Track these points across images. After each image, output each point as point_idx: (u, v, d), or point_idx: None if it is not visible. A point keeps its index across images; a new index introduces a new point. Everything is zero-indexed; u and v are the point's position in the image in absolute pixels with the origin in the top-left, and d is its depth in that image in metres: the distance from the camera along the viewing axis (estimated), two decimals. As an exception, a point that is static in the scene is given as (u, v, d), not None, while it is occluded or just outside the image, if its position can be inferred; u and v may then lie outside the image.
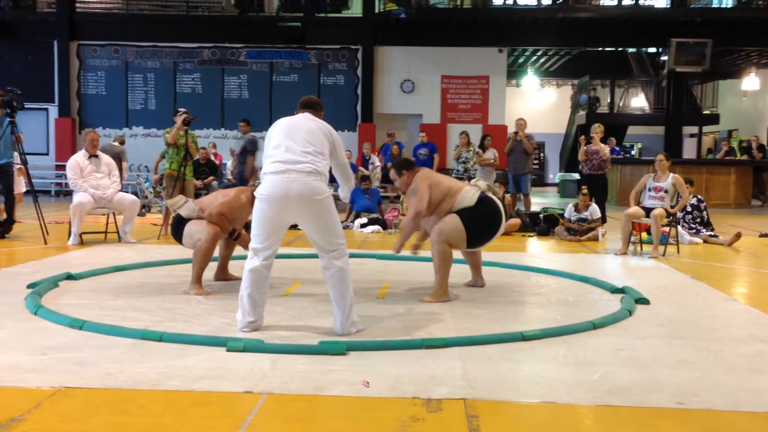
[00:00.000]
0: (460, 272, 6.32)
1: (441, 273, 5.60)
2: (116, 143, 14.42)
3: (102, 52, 19.28)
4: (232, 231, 6.00)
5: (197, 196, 12.83)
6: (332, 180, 4.91)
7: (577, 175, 15.06)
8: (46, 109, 19.08)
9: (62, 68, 19.14)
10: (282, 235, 4.62)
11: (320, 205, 4.40)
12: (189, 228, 5.86)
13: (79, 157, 8.91)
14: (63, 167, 13.40)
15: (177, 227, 6.00)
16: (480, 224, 5.66)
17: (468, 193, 5.68)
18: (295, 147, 4.45)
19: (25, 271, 6.56)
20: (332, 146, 4.63)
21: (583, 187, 10.64)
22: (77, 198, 8.65)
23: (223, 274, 6.39)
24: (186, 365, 3.75)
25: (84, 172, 8.79)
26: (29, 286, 5.70)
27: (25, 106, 9.54)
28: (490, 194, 5.80)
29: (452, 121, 19.14)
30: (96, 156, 8.96)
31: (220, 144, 17.36)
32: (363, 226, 11.02)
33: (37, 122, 18.55)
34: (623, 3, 19.48)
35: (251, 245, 4.53)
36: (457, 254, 6.00)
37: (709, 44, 18.17)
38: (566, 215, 10.35)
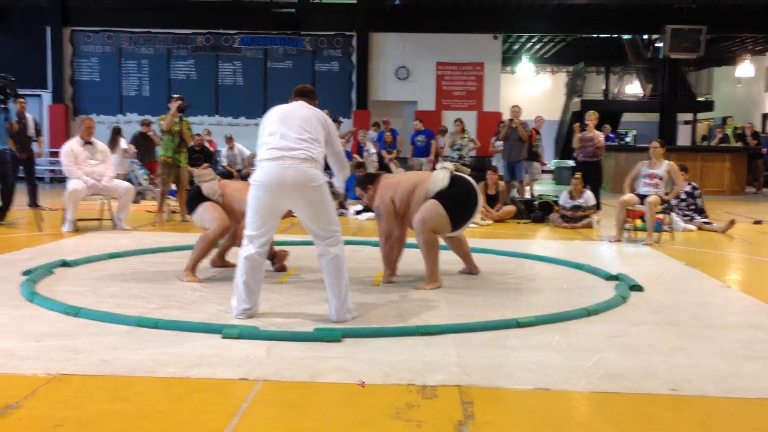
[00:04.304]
0: (455, 260, 6.33)
1: (430, 261, 5.62)
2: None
3: (95, 38, 19.19)
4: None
5: (191, 183, 12.84)
6: (327, 167, 4.90)
7: (572, 162, 15.08)
8: (40, 96, 19.01)
9: (55, 54, 19.05)
10: (277, 222, 4.62)
11: (315, 192, 4.41)
12: (202, 211, 5.86)
13: (74, 144, 8.87)
14: (57, 154, 13.38)
15: (193, 199, 5.99)
16: (459, 203, 5.67)
17: (439, 176, 5.69)
18: (290, 134, 4.44)
19: (20, 258, 6.55)
20: (327, 134, 4.64)
21: (577, 173, 10.65)
22: (72, 185, 8.63)
23: (220, 261, 6.39)
24: (181, 352, 3.76)
25: (78, 159, 8.76)
26: (24, 273, 5.70)
27: (19, 93, 9.50)
28: (459, 173, 5.82)
29: (447, 108, 19.12)
30: (90, 143, 8.94)
31: (215, 131, 17.30)
32: (358, 213, 11.03)
33: (30, 109, 18.34)
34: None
35: (246, 232, 4.53)
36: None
37: (704, 31, 18.16)
38: (561, 202, 10.36)
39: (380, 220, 5.76)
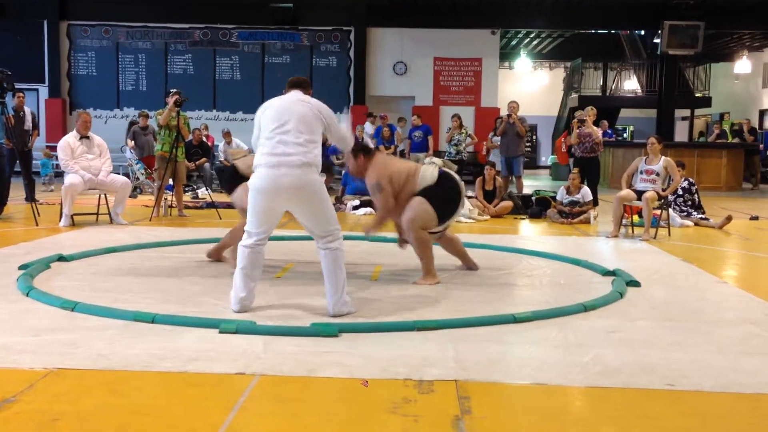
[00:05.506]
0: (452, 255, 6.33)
1: (425, 258, 5.63)
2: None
3: (92, 33, 19.13)
4: None
5: (189, 177, 12.83)
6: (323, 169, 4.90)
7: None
8: (37, 90, 18.95)
9: (52, 49, 18.99)
10: (277, 220, 4.66)
11: (311, 195, 4.43)
12: (241, 193, 5.72)
13: (70, 138, 8.86)
14: (54, 148, 13.36)
15: (232, 180, 5.95)
16: (445, 200, 5.67)
17: (427, 171, 5.68)
18: (287, 138, 4.42)
19: (17, 253, 6.54)
20: (326, 125, 4.62)
21: (575, 169, 10.65)
22: (69, 179, 8.62)
23: (216, 255, 6.36)
24: (178, 347, 3.76)
25: (75, 154, 8.75)
26: (21, 268, 5.69)
27: (16, 87, 9.48)
28: (446, 169, 5.81)
29: (445, 103, 19.10)
30: (87, 137, 8.92)
31: (212, 125, 17.27)
32: (355, 208, 11.03)
33: (27, 103, 18.36)
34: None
35: (246, 228, 4.57)
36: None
37: (702, 27, 18.15)
38: (558, 198, 10.36)
39: (380, 193, 5.60)
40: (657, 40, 19.22)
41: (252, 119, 4.80)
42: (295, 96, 4.66)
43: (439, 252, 6.12)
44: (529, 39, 23.69)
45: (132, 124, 15.22)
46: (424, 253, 5.62)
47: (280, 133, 4.45)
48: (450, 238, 6.14)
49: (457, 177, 5.85)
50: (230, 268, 5.59)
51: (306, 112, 4.54)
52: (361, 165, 5.71)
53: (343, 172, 12.84)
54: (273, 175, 4.39)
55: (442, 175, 5.71)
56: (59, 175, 17.35)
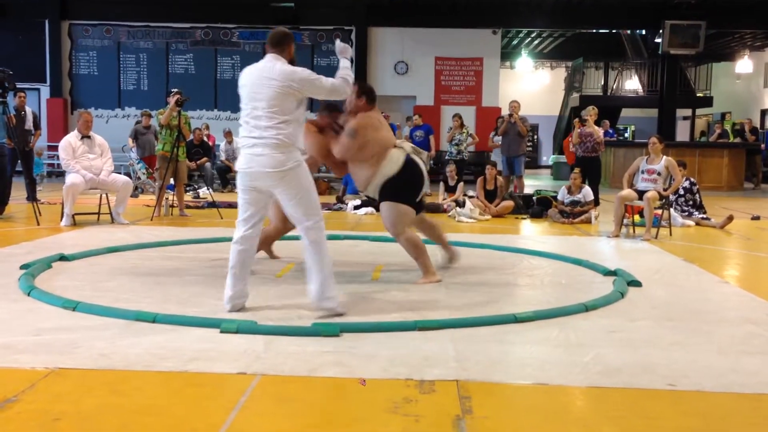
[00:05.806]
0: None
1: (420, 258, 5.63)
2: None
3: (94, 32, 19.15)
4: None
5: (190, 177, 12.84)
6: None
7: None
8: (38, 90, 18.96)
9: (54, 48, 18.99)
10: (265, 204, 4.60)
11: (289, 177, 4.40)
12: None
13: (72, 138, 8.87)
14: (55, 148, 13.37)
15: None
16: (411, 188, 5.65)
17: (393, 158, 5.58)
18: (261, 123, 4.43)
19: (18, 252, 6.55)
20: (303, 93, 4.49)
21: (576, 169, 10.64)
22: (70, 179, 8.62)
23: (264, 249, 6.40)
24: (180, 346, 3.76)
25: (76, 153, 8.76)
26: (22, 267, 5.69)
27: (17, 87, 9.49)
28: (413, 156, 5.72)
29: (446, 103, 19.10)
30: (89, 137, 8.93)
31: (213, 125, 17.29)
32: (356, 207, 11.02)
33: (28, 102, 18.35)
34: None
35: (237, 220, 4.58)
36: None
37: (703, 26, 18.14)
38: (559, 198, 10.36)
39: (348, 140, 5.52)
40: (658, 40, 19.21)
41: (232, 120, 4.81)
42: (266, 70, 4.49)
43: (439, 254, 6.13)
44: (530, 39, 23.69)
45: (137, 123, 15.29)
46: (418, 254, 5.62)
47: (254, 118, 4.46)
48: (430, 223, 6.14)
49: (421, 165, 5.75)
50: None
51: (273, 94, 4.41)
52: (357, 106, 5.60)
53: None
54: (251, 157, 4.43)
55: (407, 163, 5.61)
56: (57, 175, 17.43)
